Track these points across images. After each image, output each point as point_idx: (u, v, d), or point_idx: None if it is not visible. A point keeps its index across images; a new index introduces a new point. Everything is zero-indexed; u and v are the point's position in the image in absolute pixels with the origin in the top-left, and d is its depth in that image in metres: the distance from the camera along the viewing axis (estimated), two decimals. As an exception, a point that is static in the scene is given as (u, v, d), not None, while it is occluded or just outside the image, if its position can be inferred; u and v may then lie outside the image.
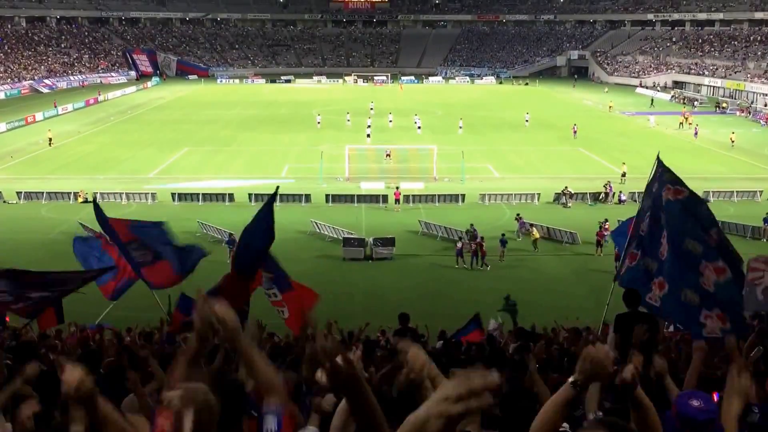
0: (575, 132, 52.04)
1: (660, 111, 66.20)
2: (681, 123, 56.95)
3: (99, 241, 13.26)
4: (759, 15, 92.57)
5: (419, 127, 54.93)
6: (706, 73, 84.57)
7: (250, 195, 33.73)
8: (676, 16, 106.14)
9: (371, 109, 64.18)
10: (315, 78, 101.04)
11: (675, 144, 49.74)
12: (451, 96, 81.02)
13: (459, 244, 26.04)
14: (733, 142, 48.88)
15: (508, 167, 42.44)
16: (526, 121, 58.03)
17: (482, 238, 26.05)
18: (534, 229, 27.95)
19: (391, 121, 57.51)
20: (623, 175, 38.08)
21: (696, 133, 52.62)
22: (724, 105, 70.67)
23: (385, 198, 34.32)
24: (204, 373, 3.21)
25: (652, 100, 73.90)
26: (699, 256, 8.98)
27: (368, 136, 50.07)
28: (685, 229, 9.23)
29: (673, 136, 53.84)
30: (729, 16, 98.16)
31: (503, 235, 27.06)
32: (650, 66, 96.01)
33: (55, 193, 34.68)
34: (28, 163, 43.32)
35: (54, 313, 11.05)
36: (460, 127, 54.19)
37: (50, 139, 47.69)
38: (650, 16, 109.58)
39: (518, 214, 29.58)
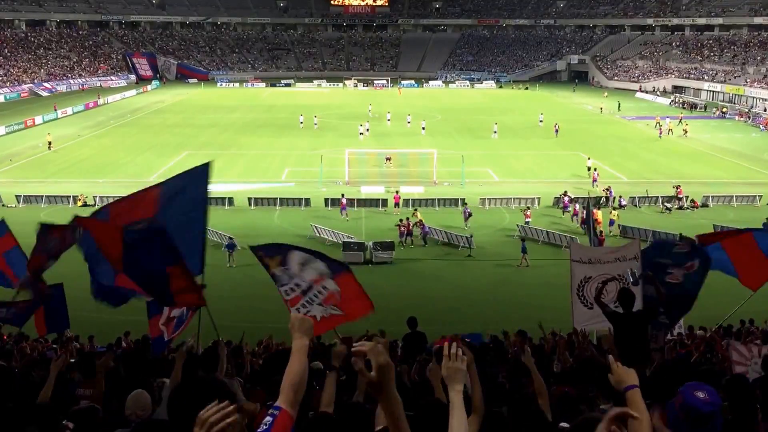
0: (557, 131, 53.02)
1: (633, 116, 66.30)
2: (675, 130, 55.91)
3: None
4: (758, 20, 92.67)
5: (423, 128, 55.10)
6: (706, 77, 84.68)
7: (249, 199, 33.63)
8: (675, 20, 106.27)
9: (369, 111, 64.58)
10: (315, 82, 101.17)
11: (674, 148, 49.81)
12: (451, 100, 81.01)
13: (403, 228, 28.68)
14: (686, 132, 53.71)
15: (508, 171, 42.40)
16: (540, 121, 58.43)
17: (407, 219, 29.27)
18: (417, 212, 30.34)
19: (389, 120, 59.22)
20: (589, 168, 38.95)
21: (661, 134, 54.33)
22: (725, 109, 70.70)
23: (384, 202, 34.27)
24: None
25: (619, 104, 72.89)
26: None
27: (361, 134, 51.31)
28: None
29: (673, 140, 53.74)
30: (728, 21, 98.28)
31: (523, 241, 27.33)
32: (650, 70, 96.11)
33: (55, 196, 34.55)
34: (27, 167, 43.26)
35: (43, 319, 10.76)
36: (495, 132, 53.09)
37: (50, 143, 47.62)
38: (650, 21, 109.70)
39: (465, 203, 32.05)
